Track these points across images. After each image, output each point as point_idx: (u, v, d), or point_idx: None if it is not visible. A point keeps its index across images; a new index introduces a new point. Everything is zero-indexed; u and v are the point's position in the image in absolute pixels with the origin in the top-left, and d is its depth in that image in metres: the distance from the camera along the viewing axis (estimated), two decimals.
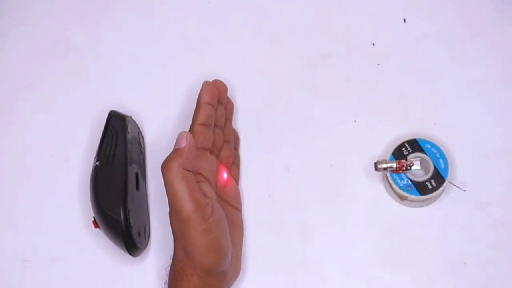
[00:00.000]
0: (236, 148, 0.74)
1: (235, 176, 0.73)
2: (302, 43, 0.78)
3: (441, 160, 0.70)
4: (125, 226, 0.68)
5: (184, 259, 0.63)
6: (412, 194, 0.70)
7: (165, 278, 0.65)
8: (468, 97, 0.75)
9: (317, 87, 0.77)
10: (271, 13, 0.80)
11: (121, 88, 0.78)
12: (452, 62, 0.76)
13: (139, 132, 0.76)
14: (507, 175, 0.72)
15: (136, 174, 0.72)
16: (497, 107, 0.74)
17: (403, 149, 0.71)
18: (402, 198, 0.71)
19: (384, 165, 0.70)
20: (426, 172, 0.71)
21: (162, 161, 0.62)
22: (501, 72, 0.75)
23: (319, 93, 0.76)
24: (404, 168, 0.70)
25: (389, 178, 0.70)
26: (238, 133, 0.75)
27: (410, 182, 0.70)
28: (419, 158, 0.70)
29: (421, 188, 0.70)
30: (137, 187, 0.72)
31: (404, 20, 0.78)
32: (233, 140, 0.74)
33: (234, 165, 0.73)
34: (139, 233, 0.70)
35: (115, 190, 0.69)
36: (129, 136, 0.73)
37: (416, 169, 0.70)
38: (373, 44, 0.78)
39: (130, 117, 0.75)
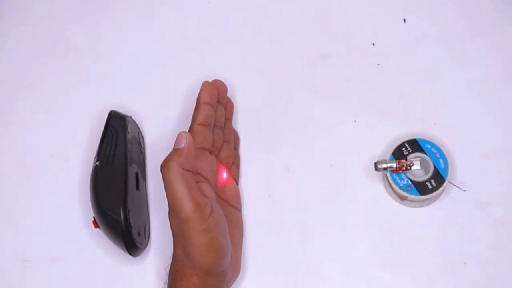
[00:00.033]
0: (236, 148, 0.74)
1: (235, 176, 0.73)
2: (302, 43, 0.78)
3: (441, 160, 0.70)
4: (125, 226, 0.68)
5: (184, 259, 0.63)
6: (412, 194, 0.70)
7: (165, 278, 0.65)
8: (468, 97, 0.75)
9: (317, 87, 0.77)
10: (271, 13, 0.80)
11: (121, 88, 0.78)
12: (452, 62, 0.76)
13: (139, 132, 0.76)
14: (507, 175, 0.72)
15: (136, 174, 0.72)
16: (497, 107, 0.74)
17: (403, 149, 0.71)
18: (402, 198, 0.71)
19: (384, 165, 0.70)
20: (426, 172, 0.71)
21: (162, 161, 0.62)
22: (501, 72, 0.75)
23: (319, 93, 0.76)
24: (404, 168, 0.70)
25: (389, 178, 0.70)
26: (238, 133, 0.75)
27: (410, 182, 0.70)
28: (419, 158, 0.70)
29: (421, 188, 0.70)
30: (137, 187, 0.72)
31: (404, 20, 0.78)
32: (233, 140, 0.74)
33: (234, 165, 0.73)
34: (139, 233, 0.70)
35: (115, 190, 0.69)
36: (129, 136, 0.73)
37: (416, 169, 0.70)
38: (373, 44, 0.78)
39: (130, 117, 0.75)
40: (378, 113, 0.75)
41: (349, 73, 0.77)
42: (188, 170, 0.62)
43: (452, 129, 0.73)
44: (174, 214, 0.62)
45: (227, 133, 0.73)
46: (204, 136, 0.68)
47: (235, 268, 0.69)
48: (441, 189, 0.70)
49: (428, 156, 0.71)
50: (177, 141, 0.63)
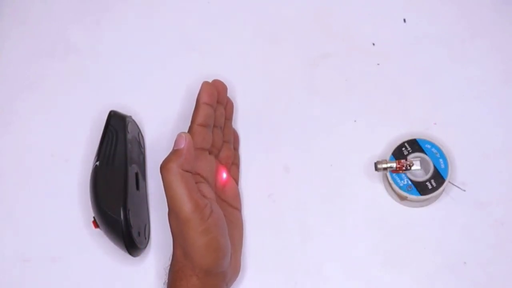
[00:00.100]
0: (236, 148, 0.74)
1: (234, 176, 0.73)
2: (302, 43, 0.78)
3: (441, 160, 0.70)
4: (125, 226, 0.68)
5: (183, 259, 0.63)
6: (412, 194, 0.70)
7: (165, 278, 0.65)
8: (468, 97, 0.75)
9: (317, 87, 0.77)
10: (271, 13, 0.80)
11: (121, 88, 0.78)
12: (452, 62, 0.76)
13: (139, 132, 0.76)
14: (507, 175, 0.72)
15: (136, 174, 0.72)
16: (497, 107, 0.74)
17: (403, 149, 0.71)
18: (402, 198, 0.71)
19: (384, 165, 0.70)
20: (426, 172, 0.71)
21: (161, 161, 0.62)
22: (501, 72, 0.75)
23: (319, 93, 0.76)
24: (404, 168, 0.70)
25: (389, 178, 0.70)
26: (238, 133, 0.75)
27: (410, 182, 0.70)
28: (419, 158, 0.70)
29: (421, 188, 0.70)
30: (137, 187, 0.72)
31: (404, 20, 0.78)
32: (232, 140, 0.74)
33: (233, 165, 0.73)
34: (139, 233, 0.70)
35: (115, 190, 0.69)
36: (129, 136, 0.73)
37: (416, 169, 0.70)
38: (373, 44, 0.78)
39: (130, 117, 0.75)
40: (378, 113, 0.75)
41: (349, 73, 0.77)
42: (187, 171, 0.62)
43: (452, 129, 0.73)
44: (174, 214, 0.62)
45: (226, 133, 0.73)
46: (204, 136, 0.68)
47: (235, 268, 0.69)
48: (441, 189, 0.70)
49: (428, 156, 0.71)
50: (176, 142, 0.63)
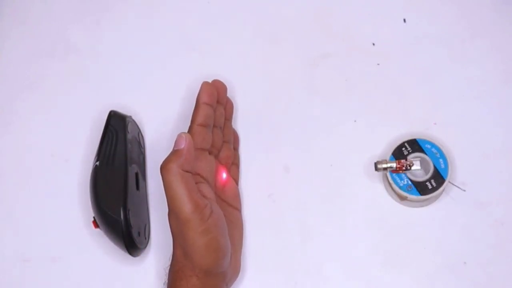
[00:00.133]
0: (235, 148, 0.74)
1: (234, 176, 0.73)
2: (302, 43, 0.78)
3: (441, 160, 0.70)
4: (125, 226, 0.68)
5: (183, 259, 0.63)
6: (412, 194, 0.70)
7: (164, 278, 0.65)
8: (468, 97, 0.75)
9: (317, 87, 0.77)
10: (271, 13, 0.80)
11: (121, 88, 0.78)
12: (452, 62, 0.76)
13: (139, 132, 0.76)
14: (507, 175, 0.72)
15: (136, 174, 0.72)
16: (497, 107, 0.74)
17: (403, 149, 0.71)
18: (402, 198, 0.71)
19: (384, 165, 0.70)
20: (426, 172, 0.71)
21: (161, 162, 0.62)
22: (501, 72, 0.75)
23: (319, 93, 0.76)
24: (404, 168, 0.70)
25: (389, 178, 0.70)
26: (238, 133, 0.75)
27: (410, 182, 0.70)
28: (419, 158, 0.70)
29: (421, 188, 0.70)
30: (137, 187, 0.72)
31: (404, 20, 0.78)
32: (232, 140, 0.74)
33: (233, 165, 0.73)
34: (139, 233, 0.70)
35: (115, 190, 0.69)
36: (129, 136, 0.73)
37: (416, 169, 0.70)
38: (373, 44, 0.78)
39: (130, 117, 0.75)
40: (378, 113, 0.75)
41: (349, 73, 0.77)
42: (187, 171, 0.62)
43: (452, 129, 0.73)
44: (174, 215, 0.62)
45: (226, 133, 0.73)
46: (204, 136, 0.68)
47: (235, 269, 0.69)
48: (441, 189, 0.70)
49: (428, 156, 0.71)
50: (176, 142, 0.63)
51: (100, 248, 0.73)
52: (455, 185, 0.71)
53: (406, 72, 0.76)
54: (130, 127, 0.73)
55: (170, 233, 0.64)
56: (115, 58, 0.79)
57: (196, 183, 0.64)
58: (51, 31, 0.81)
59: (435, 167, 0.70)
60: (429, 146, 0.71)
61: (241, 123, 0.76)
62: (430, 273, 0.70)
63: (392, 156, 0.71)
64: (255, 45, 0.79)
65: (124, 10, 0.81)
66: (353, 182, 0.73)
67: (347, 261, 0.71)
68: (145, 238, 0.72)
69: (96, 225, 0.70)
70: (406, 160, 0.70)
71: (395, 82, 0.76)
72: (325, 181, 0.73)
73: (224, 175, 0.71)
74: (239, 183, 0.74)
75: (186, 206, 0.61)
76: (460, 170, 0.72)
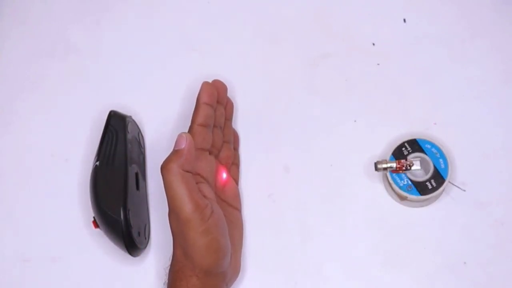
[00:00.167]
0: (236, 148, 0.74)
1: (234, 176, 0.73)
2: (302, 43, 0.78)
3: (441, 160, 0.70)
4: (125, 226, 0.68)
5: (183, 259, 0.63)
6: (412, 194, 0.70)
7: (165, 278, 0.65)
8: (468, 97, 0.75)
9: (317, 87, 0.77)
10: (271, 13, 0.80)
11: (121, 88, 0.78)
12: (452, 62, 0.76)
13: (139, 132, 0.76)
14: (507, 175, 0.72)
15: (136, 174, 0.72)
16: (497, 107, 0.74)
17: (403, 149, 0.71)
18: (402, 198, 0.71)
19: (384, 165, 0.70)
20: (426, 172, 0.71)
21: (162, 161, 0.62)
22: (501, 72, 0.75)
23: (319, 93, 0.76)
24: (404, 168, 0.70)
25: (389, 178, 0.70)
26: (238, 133, 0.75)
27: (410, 182, 0.70)
28: (419, 158, 0.70)
29: (421, 188, 0.70)
30: (137, 187, 0.72)
31: (404, 20, 0.78)
32: (232, 140, 0.74)
33: (233, 165, 0.73)
34: (139, 233, 0.70)
35: (115, 190, 0.69)
36: (129, 136, 0.73)
37: (416, 169, 0.70)
38: (373, 44, 0.78)
39: (130, 117, 0.75)
40: (378, 113, 0.75)
41: (349, 73, 0.77)
42: (188, 171, 0.62)
43: (452, 129, 0.73)
44: (174, 215, 0.62)
45: (226, 133, 0.73)
46: (204, 136, 0.68)
47: (235, 269, 0.69)
48: (441, 189, 0.70)
49: (428, 156, 0.71)
50: (177, 142, 0.63)
51: (100, 248, 0.73)
52: (455, 185, 0.71)
53: (406, 72, 0.76)
54: (130, 127, 0.73)
55: (170, 233, 0.64)
56: (115, 58, 0.80)
57: (197, 183, 0.64)
58: (51, 31, 0.81)
59: (435, 167, 0.70)
60: (429, 146, 0.71)
61: (241, 123, 0.76)
62: (430, 273, 0.70)
63: (392, 156, 0.71)
64: (255, 45, 0.79)
65: (124, 10, 0.81)
66: (353, 182, 0.73)
67: (347, 261, 0.71)
68: (145, 238, 0.72)
69: (96, 225, 0.70)
70: (406, 160, 0.70)
71: (395, 82, 0.76)
72: (325, 181, 0.73)
73: (224, 175, 0.71)
74: (239, 183, 0.74)
75: (186, 206, 0.61)
76: (460, 170, 0.72)
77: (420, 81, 0.76)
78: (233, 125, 0.75)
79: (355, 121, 0.75)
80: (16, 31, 0.81)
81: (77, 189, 0.74)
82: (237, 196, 0.72)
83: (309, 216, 0.72)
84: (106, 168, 0.71)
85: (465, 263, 0.70)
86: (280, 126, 0.76)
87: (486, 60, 0.75)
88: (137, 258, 0.71)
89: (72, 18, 0.81)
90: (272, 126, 0.76)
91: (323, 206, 0.73)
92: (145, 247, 0.72)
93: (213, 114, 0.69)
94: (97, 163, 0.71)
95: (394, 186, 0.70)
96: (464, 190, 0.71)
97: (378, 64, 0.77)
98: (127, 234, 0.68)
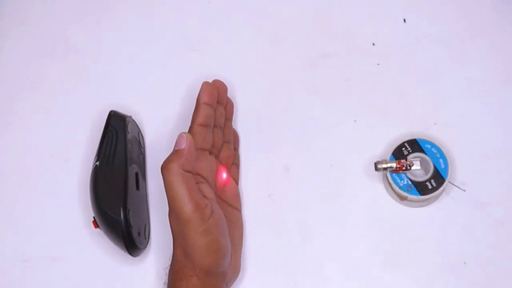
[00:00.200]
0: (236, 148, 0.74)
1: (235, 176, 0.73)
2: (302, 43, 0.78)
3: (441, 160, 0.70)
4: (125, 226, 0.68)
5: (184, 259, 0.63)
6: (412, 194, 0.70)
7: (165, 278, 0.65)
8: (468, 97, 0.75)
9: (317, 87, 0.77)
10: (271, 13, 0.80)
11: (121, 88, 0.78)
12: (452, 62, 0.76)
13: (139, 132, 0.76)
14: (507, 175, 0.72)
15: (136, 174, 0.72)
16: (497, 107, 0.74)
17: (403, 149, 0.71)
18: (402, 198, 0.71)
19: (384, 165, 0.70)
20: (426, 172, 0.71)
21: (162, 161, 0.62)
22: (501, 72, 0.75)
23: (319, 93, 0.76)
24: (404, 168, 0.70)
25: (389, 178, 0.70)
26: (238, 133, 0.75)
27: (410, 182, 0.70)
28: (419, 158, 0.70)
29: (421, 188, 0.70)
30: (137, 187, 0.72)
31: (404, 20, 0.78)
32: (232, 140, 0.74)
33: (234, 165, 0.73)
34: (139, 233, 0.70)
35: (115, 190, 0.69)
36: (129, 136, 0.73)
37: (416, 169, 0.70)
38: (373, 44, 0.78)
39: (130, 117, 0.75)
40: (378, 113, 0.75)
41: (349, 73, 0.77)
42: (188, 171, 0.62)
43: (452, 129, 0.73)
44: (174, 215, 0.62)
45: (227, 133, 0.73)
46: (204, 136, 0.68)
47: (235, 269, 0.69)
48: (441, 189, 0.70)
49: (428, 156, 0.71)
50: (177, 142, 0.63)
51: (100, 248, 0.73)
52: (455, 185, 0.71)
53: (406, 72, 0.76)
54: (130, 127, 0.73)
55: (170, 233, 0.64)
56: (115, 58, 0.80)
57: (197, 183, 0.64)
58: (51, 31, 0.81)
59: (435, 167, 0.70)
60: (429, 146, 0.71)
61: (241, 123, 0.76)
62: (430, 273, 0.70)
63: (392, 156, 0.71)
64: (255, 45, 0.79)
65: (124, 10, 0.81)
66: (353, 182, 0.73)
67: (347, 261, 0.71)
68: (145, 238, 0.72)
69: (96, 225, 0.70)
70: (406, 160, 0.70)
71: (395, 82, 0.76)
72: (325, 181, 0.73)
73: (224, 175, 0.71)
74: (239, 183, 0.74)
75: (186, 206, 0.61)
76: (460, 170, 0.72)
77: (420, 81, 0.76)
78: (233, 125, 0.75)
79: (355, 121, 0.75)
80: (16, 31, 0.81)
81: (77, 189, 0.74)
82: (237, 196, 0.72)
83: (309, 216, 0.72)
84: (106, 168, 0.71)
85: (465, 263, 0.70)
86: (280, 126, 0.76)
87: (486, 60, 0.75)
88: (137, 258, 0.71)
89: (72, 18, 0.81)
90: (272, 126, 0.76)
91: (323, 206, 0.73)
92: (145, 247, 0.72)
93: (213, 114, 0.69)
94: (97, 163, 0.71)
95: (394, 186, 0.70)
96: (464, 190, 0.71)
97: (378, 64, 0.77)
98: (127, 234, 0.68)
